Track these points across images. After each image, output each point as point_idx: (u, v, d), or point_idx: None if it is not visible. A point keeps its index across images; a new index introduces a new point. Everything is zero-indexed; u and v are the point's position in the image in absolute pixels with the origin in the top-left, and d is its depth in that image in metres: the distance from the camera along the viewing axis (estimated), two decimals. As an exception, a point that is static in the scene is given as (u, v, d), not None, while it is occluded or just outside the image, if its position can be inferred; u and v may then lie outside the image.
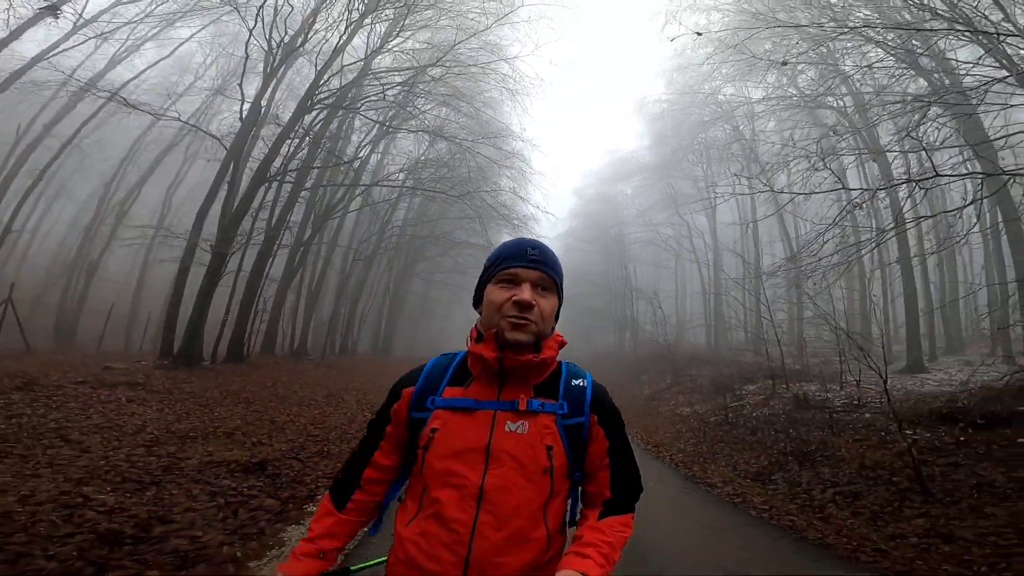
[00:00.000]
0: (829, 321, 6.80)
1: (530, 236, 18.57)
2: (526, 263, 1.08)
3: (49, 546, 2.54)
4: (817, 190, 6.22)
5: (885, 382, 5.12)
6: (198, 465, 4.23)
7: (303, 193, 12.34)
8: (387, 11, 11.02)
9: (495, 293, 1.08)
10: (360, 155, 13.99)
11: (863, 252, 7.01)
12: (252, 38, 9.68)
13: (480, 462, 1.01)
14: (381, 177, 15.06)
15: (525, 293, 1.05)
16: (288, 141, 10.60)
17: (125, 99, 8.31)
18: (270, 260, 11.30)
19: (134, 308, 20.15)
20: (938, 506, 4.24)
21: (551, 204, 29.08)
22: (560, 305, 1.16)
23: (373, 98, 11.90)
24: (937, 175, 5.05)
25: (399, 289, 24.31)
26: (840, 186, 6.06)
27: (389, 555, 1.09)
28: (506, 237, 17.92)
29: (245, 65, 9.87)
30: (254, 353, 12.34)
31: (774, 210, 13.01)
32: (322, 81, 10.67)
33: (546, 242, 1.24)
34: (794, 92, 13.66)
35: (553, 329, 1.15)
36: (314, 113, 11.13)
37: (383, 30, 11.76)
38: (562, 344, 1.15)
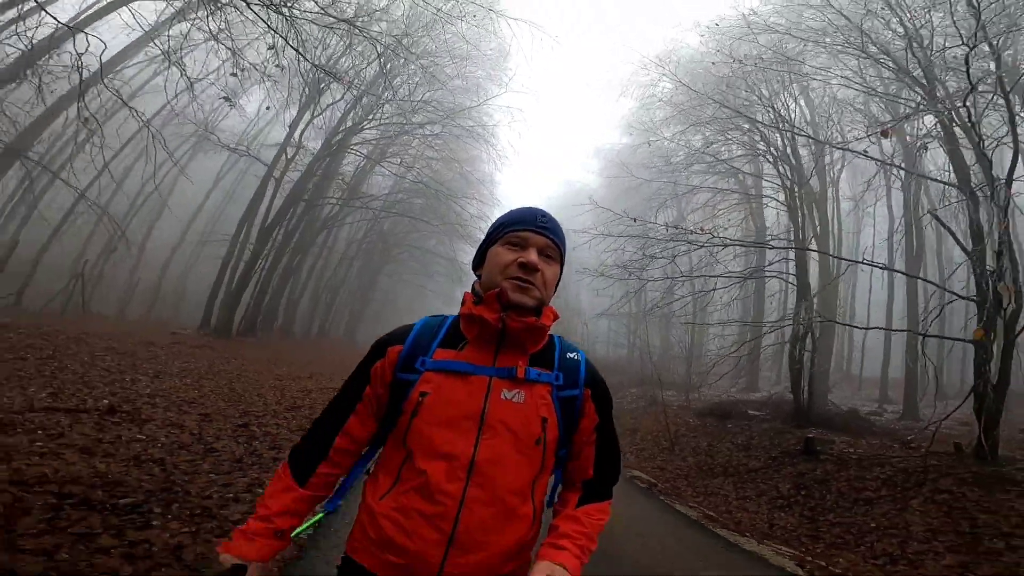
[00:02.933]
0: (650, 357, 10.99)
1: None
2: (535, 227, 1.05)
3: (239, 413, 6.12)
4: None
5: (687, 395, 9.32)
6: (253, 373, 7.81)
7: (301, 206, 15.63)
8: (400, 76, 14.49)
9: (501, 254, 1.04)
10: (354, 180, 17.46)
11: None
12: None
13: (473, 431, 0.94)
14: (366, 197, 18.38)
15: (532, 255, 1.02)
16: (314, 176, 14.00)
17: (218, 139, 11.37)
18: (281, 261, 14.57)
19: (175, 288, 23.18)
20: (677, 452, 8.52)
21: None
22: (560, 277, 1.12)
23: (372, 141, 15.39)
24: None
25: (370, 286, 27.55)
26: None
27: (352, 533, 1.00)
28: (470, 250, 22.00)
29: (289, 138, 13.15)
30: (259, 329, 15.58)
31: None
32: (340, 128, 14.11)
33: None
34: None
35: (551, 299, 1.10)
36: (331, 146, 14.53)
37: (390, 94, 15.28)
38: (556, 317, 1.10)
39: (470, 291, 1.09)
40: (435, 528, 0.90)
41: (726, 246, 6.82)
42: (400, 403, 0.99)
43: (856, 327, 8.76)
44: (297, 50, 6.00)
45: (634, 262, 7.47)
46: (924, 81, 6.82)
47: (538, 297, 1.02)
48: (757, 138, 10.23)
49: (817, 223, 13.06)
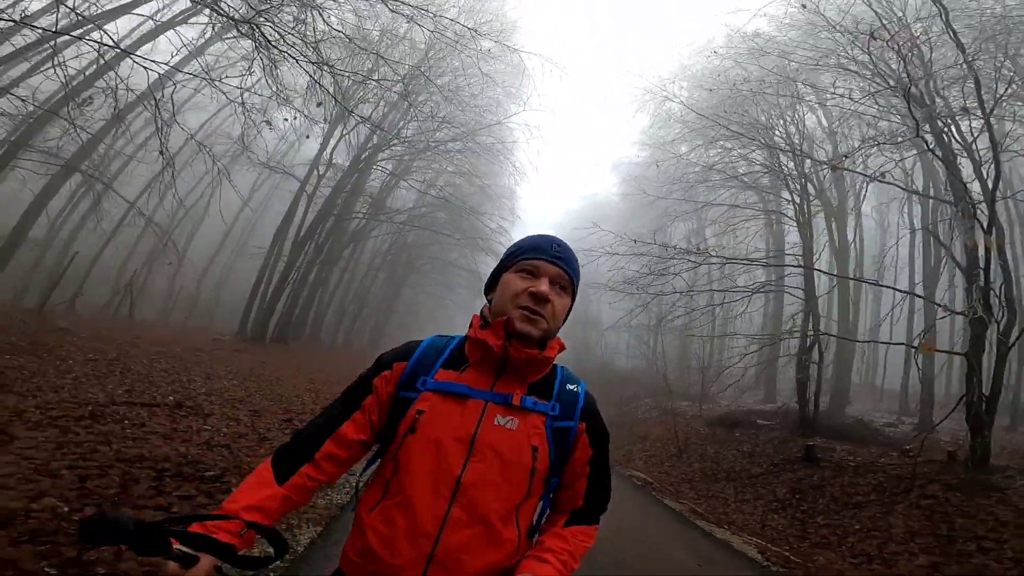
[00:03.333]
0: (660, 368, 11.36)
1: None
2: (549, 257, 1.06)
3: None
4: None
5: (700, 404, 9.70)
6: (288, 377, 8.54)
7: (331, 220, 16.59)
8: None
9: (513, 281, 1.05)
10: (382, 194, 18.39)
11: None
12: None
13: (462, 453, 0.95)
14: (391, 212, 19.26)
15: (543, 285, 1.02)
16: (343, 192, 14.94)
17: (257, 158, 12.33)
18: (311, 273, 15.51)
19: (211, 296, 24.77)
20: (684, 459, 8.90)
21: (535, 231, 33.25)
22: (571, 309, 1.13)
23: (397, 157, 16.29)
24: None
25: (394, 297, 28.50)
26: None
27: (345, 544, 1.01)
28: (491, 262, 22.54)
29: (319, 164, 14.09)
30: (290, 337, 16.54)
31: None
32: (368, 145, 15.01)
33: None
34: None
35: (559, 331, 1.11)
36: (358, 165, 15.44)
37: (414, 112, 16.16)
38: (562, 348, 1.12)
39: (478, 314, 1.10)
40: (415, 545, 0.91)
41: (723, 264, 7.23)
42: (398, 419, 1.01)
43: (853, 340, 8.96)
44: (335, 97, 6.71)
45: (640, 278, 7.92)
46: (925, 100, 7.14)
47: (545, 329, 1.02)
48: (766, 155, 10.58)
49: (836, 237, 13.25)
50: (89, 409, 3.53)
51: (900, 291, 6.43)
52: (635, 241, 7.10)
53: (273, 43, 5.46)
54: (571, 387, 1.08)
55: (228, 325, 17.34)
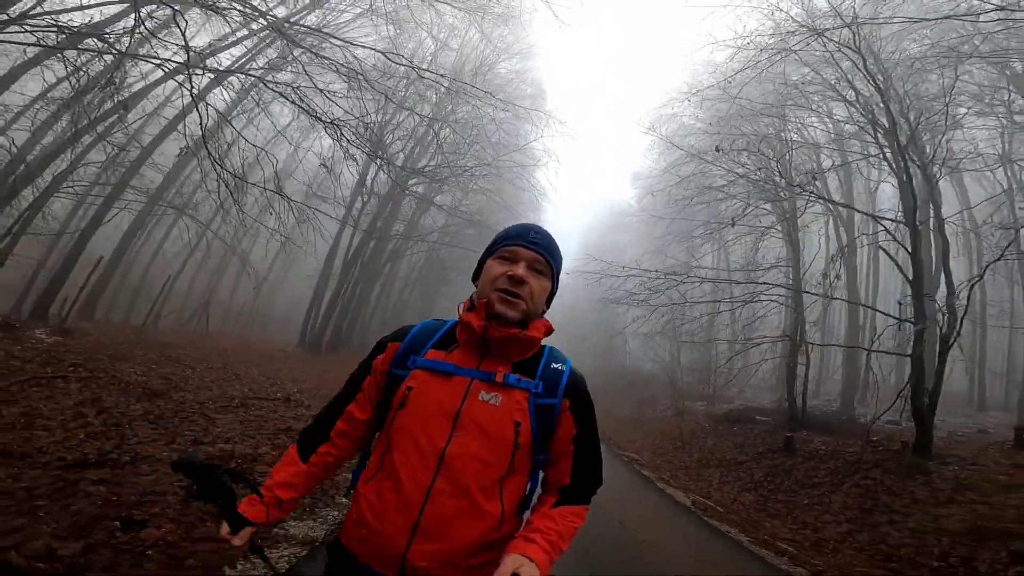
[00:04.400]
0: (670, 372, 12.56)
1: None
2: (527, 243, 1.12)
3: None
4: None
5: (709, 404, 10.93)
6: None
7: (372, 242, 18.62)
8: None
9: (493, 267, 1.12)
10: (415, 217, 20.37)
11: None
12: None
13: (447, 427, 1.01)
14: (424, 231, 21.08)
15: (520, 269, 1.09)
16: (382, 216, 16.94)
17: (317, 194, 14.41)
18: (357, 289, 17.55)
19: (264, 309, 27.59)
20: (686, 450, 10.17)
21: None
22: (554, 292, 1.19)
23: (426, 182, 18.20)
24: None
25: (429, 309, 30.62)
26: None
27: (344, 519, 1.11)
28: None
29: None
30: (341, 347, 18.66)
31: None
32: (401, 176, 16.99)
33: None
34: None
35: (543, 313, 1.17)
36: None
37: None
38: (549, 330, 1.16)
39: (469, 298, 1.17)
40: (402, 514, 0.97)
41: (703, 282, 8.48)
42: (390, 396, 1.09)
43: (818, 344, 9.93)
44: (373, 155, 8.42)
45: (638, 293, 9.24)
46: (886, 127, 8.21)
47: (524, 310, 1.08)
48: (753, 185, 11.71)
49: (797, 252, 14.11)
50: (238, 401, 5.29)
51: (852, 303, 7.52)
52: (623, 267, 8.46)
53: (319, 115, 7.06)
54: (556, 365, 1.12)
55: (283, 335, 19.60)
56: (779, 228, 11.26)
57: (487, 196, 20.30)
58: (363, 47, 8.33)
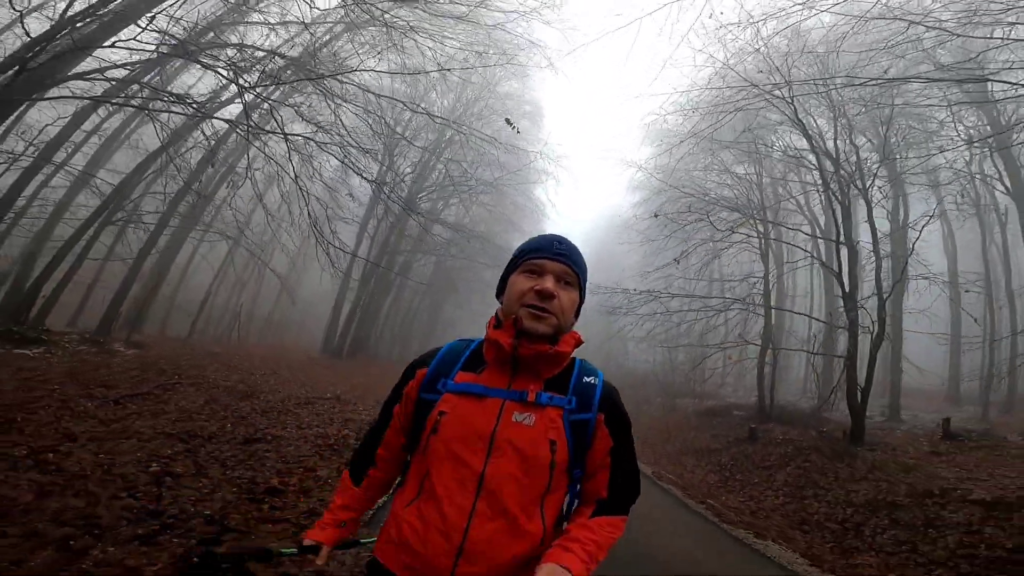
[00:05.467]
0: (656, 372, 13.96)
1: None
2: (552, 255, 1.11)
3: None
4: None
5: (698, 401, 12.33)
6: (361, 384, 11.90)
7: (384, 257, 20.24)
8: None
9: (519, 282, 1.10)
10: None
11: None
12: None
13: (483, 450, 1.02)
14: (431, 245, 22.60)
15: (548, 283, 1.07)
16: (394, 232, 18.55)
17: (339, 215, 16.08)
18: (371, 300, 19.16)
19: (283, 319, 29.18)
20: (671, 441, 11.59)
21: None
22: (582, 302, 1.18)
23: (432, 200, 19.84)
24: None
25: (437, 316, 32.22)
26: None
27: (381, 533, 1.12)
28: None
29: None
30: (359, 353, 20.32)
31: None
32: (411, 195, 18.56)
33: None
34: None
35: (572, 325, 1.15)
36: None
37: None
38: (579, 342, 1.16)
39: (495, 315, 1.16)
40: (446, 538, 0.99)
41: (673, 297, 9.94)
42: (423, 421, 1.09)
43: (782, 349, 11.34)
44: (387, 197, 9.88)
45: (620, 307, 10.72)
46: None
47: (555, 324, 1.07)
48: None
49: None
50: (304, 399, 6.80)
51: (797, 313, 8.94)
52: (610, 286, 9.95)
53: (361, 173, 8.62)
54: (588, 379, 1.12)
55: (303, 341, 21.17)
56: (754, 244, 12.62)
57: (489, 211, 21.84)
58: (390, 98, 9.79)
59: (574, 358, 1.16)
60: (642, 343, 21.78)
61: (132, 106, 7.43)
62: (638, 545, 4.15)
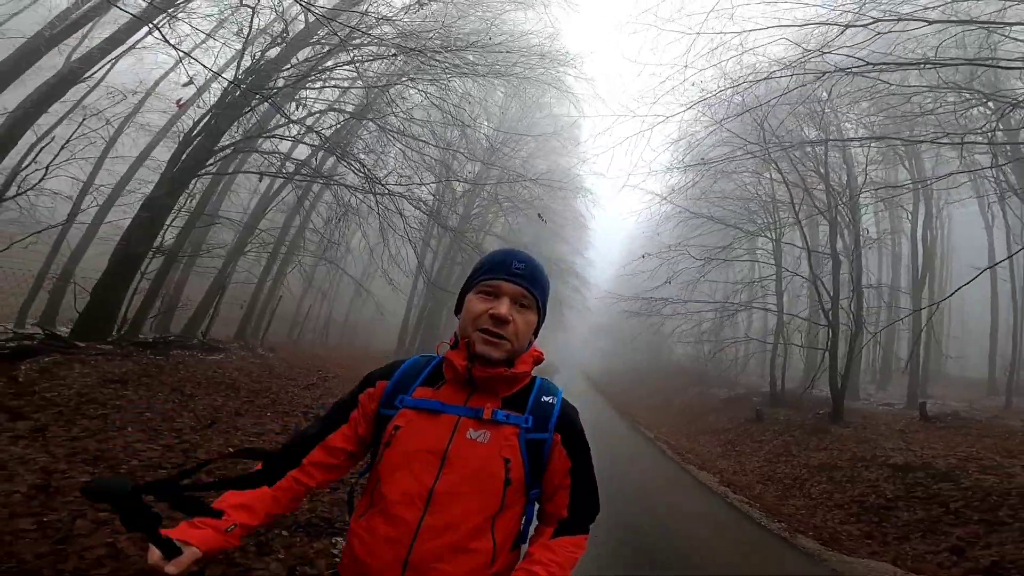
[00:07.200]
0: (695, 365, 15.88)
1: (582, 277, 27.70)
2: (509, 276, 1.10)
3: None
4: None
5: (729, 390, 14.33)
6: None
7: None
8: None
9: (474, 303, 1.10)
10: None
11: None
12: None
13: (435, 465, 1.02)
14: (482, 253, 25.39)
15: (503, 308, 1.06)
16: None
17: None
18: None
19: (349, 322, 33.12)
20: (694, 423, 13.73)
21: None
22: (541, 322, 1.17)
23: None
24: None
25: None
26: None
27: (343, 548, 1.13)
28: (565, 286, 27.94)
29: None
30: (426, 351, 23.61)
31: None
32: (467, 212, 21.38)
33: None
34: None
35: (530, 344, 1.16)
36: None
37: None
38: (538, 360, 1.16)
39: (455, 333, 1.15)
40: (392, 550, 0.99)
41: (684, 301, 11.96)
42: (379, 434, 1.10)
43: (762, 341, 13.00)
44: (441, 226, 12.58)
45: (643, 313, 12.89)
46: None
47: (508, 350, 1.08)
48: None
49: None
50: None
51: (798, 316, 10.73)
52: (628, 297, 12.12)
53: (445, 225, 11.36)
54: (547, 399, 1.12)
55: (376, 342, 24.68)
56: (768, 250, 14.24)
57: (532, 222, 24.31)
58: (454, 151, 12.42)
59: (534, 377, 1.17)
60: (675, 339, 23.56)
61: (282, 176, 10.53)
62: (647, 493, 6.57)
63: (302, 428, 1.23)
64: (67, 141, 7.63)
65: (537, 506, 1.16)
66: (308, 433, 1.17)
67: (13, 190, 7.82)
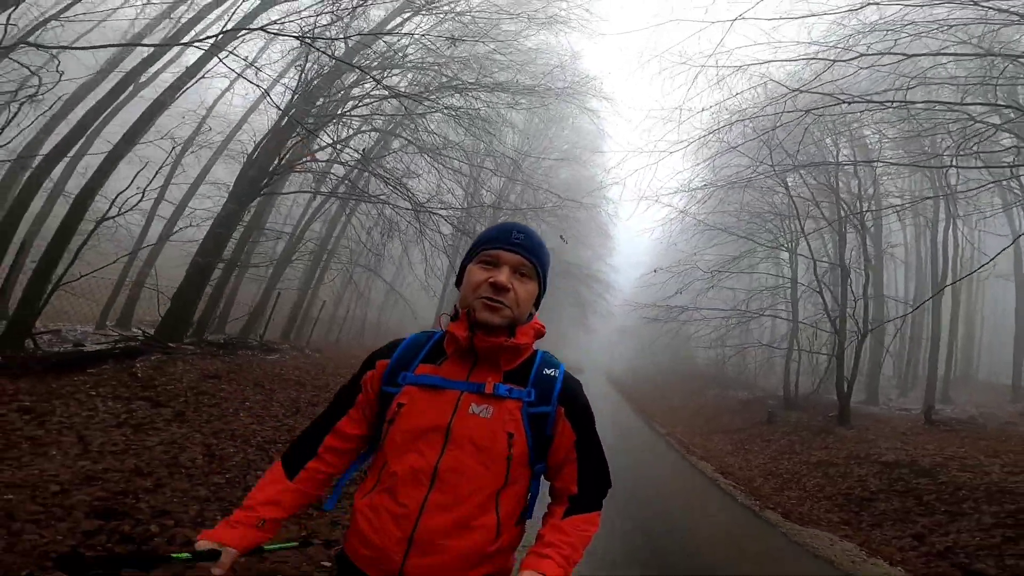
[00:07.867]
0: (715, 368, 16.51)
1: (605, 282, 28.33)
2: (508, 246, 1.11)
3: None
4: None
5: (748, 391, 15.02)
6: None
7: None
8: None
9: (474, 273, 1.11)
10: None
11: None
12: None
13: (439, 442, 1.03)
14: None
15: (502, 275, 1.07)
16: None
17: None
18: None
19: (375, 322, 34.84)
20: (710, 423, 14.44)
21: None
22: (542, 293, 1.18)
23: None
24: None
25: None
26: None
27: (349, 526, 1.11)
28: (589, 291, 28.58)
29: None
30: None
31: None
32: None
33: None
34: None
35: (532, 316, 1.16)
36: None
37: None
38: (540, 333, 1.16)
39: (455, 306, 1.15)
40: (398, 527, 1.00)
41: (699, 309, 12.67)
42: (384, 412, 1.11)
43: (770, 347, 13.52)
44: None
45: (660, 318, 13.66)
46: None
47: (509, 316, 1.08)
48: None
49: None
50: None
51: (803, 323, 11.35)
52: (645, 305, 12.90)
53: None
54: (549, 371, 1.12)
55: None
56: (784, 259, 14.80)
57: (555, 230, 25.22)
58: (490, 169, 13.50)
59: (536, 350, 1.17)
60: (694, 343, 24.03)
61: (337, 196, 11.83)
62: (657, 479, 7.47)
63: (311, 422, 1.25)
64: (161, 166, 8.95)
65: (548, 485, 1.17)
66: (317, 424, 1.20)
67: (114, 210, 9.22)
